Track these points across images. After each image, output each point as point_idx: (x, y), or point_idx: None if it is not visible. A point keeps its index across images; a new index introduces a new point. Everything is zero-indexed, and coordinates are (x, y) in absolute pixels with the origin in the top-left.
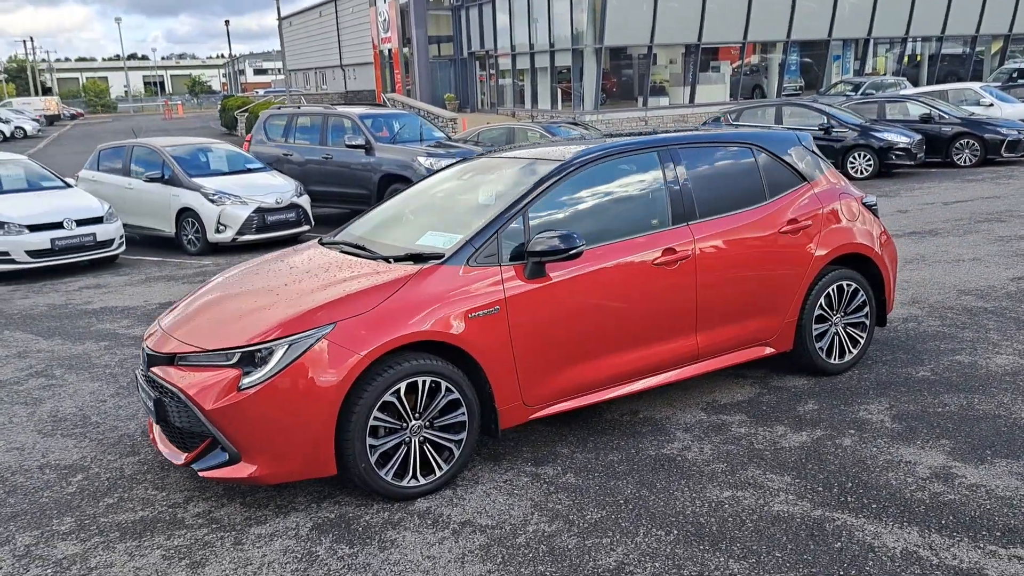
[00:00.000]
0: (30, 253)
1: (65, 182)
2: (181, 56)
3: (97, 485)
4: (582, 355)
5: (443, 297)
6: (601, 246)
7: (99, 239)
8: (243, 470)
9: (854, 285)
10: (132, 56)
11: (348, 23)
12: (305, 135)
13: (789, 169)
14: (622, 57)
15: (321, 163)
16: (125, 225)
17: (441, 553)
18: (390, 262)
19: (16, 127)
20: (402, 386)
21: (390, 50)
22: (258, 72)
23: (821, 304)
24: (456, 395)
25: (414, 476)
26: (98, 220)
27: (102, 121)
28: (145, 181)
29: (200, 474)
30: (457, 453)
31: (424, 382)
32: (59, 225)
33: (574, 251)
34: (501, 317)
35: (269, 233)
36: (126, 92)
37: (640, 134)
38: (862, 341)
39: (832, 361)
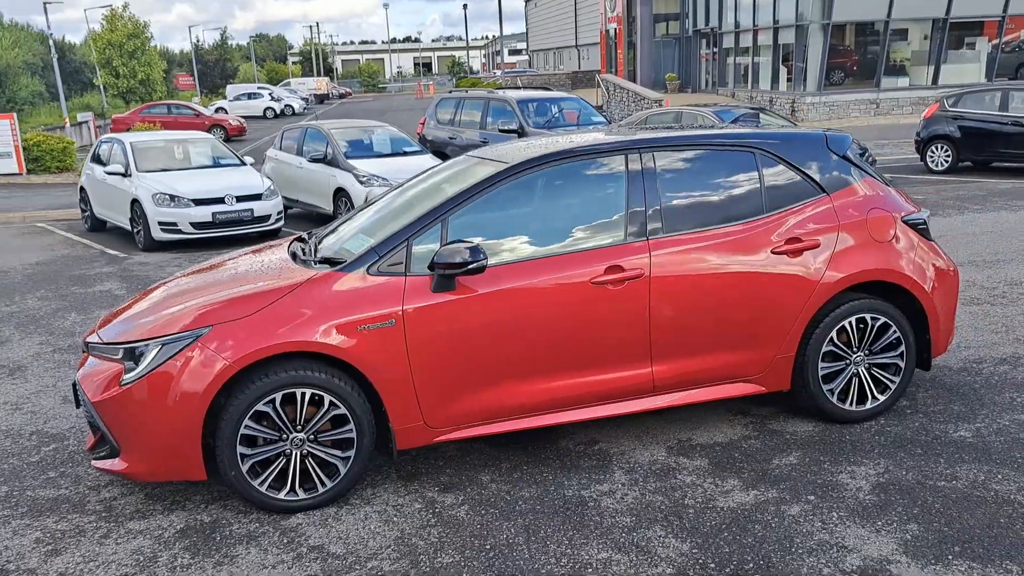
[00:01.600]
0: (194, 225)
1: (241, 160)
2: (448, 38)
3: (56, 457)
4: (501, 377)
5: (331, 306)
6: (531, 261)
7: (256, 214)
8: (119, 464)
9: (882, 319)
10: (407, 39)
11: (584, 3)
12: (470, 119)
13: (803, 178)
14: (853, 34)
15: (479, 147)
16: (296, 202)
17: None
18: (313, 266)
19: (286, 105)
20: (277, 397)
21: (615, 29)
22: (513, 53)
23: (833, 339)
24: (343, 410)
25: (292, 490)
26: (257, 197)
27: (364, 100)
28: (309, 161)
29: (92, 463)
30: (344, 471)
31: (304, 394)
32: (221, 200)
33: (474, 265)
34: (397, 331)
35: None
36: (398, 72)
37: (666, 129)
38: (892, 387)
39: (847, 407)
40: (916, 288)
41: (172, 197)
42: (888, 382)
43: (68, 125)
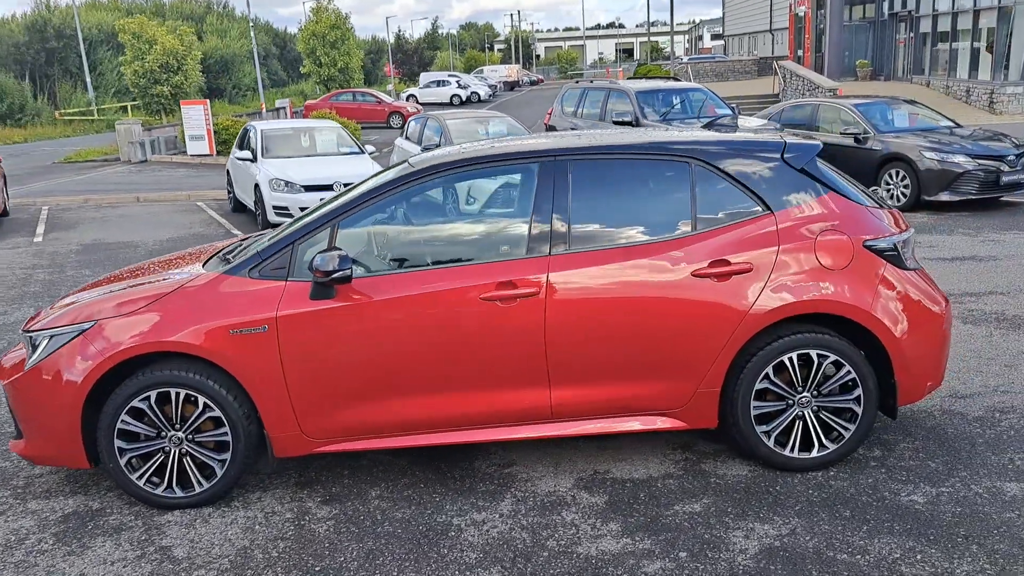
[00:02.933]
0: (303, 210)
1: (361, 149)
2: (653, 23)
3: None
4: (383, 392)
5: (207, 308)
6: (420, 271)
7: None
8: (21, 446)
9: (832, 357)
10: (611, 24)
11: None
12: (591, 109)
13: (746, 193)
14: None
15: None
16: None
17: (100, 573)
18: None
19: (472, 92)
20: (152, 395)
21: (804, 12)
22: (715, 37)
23: (769, 375)
24: (218, 413)
25: (170, 487)
26: None
27: (550, 88)
28: (423, 150)
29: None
30: (220, 473)
31: (178, 394)
32: (329, 187)
33: (338, 274)
34: (270, 337)
35: None
36: (600, 58)
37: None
38: (846, 435)
39: (787, 453)
40: (874, 324)
41: (286, 183)
42: (841, 429)
43: (264, 110)
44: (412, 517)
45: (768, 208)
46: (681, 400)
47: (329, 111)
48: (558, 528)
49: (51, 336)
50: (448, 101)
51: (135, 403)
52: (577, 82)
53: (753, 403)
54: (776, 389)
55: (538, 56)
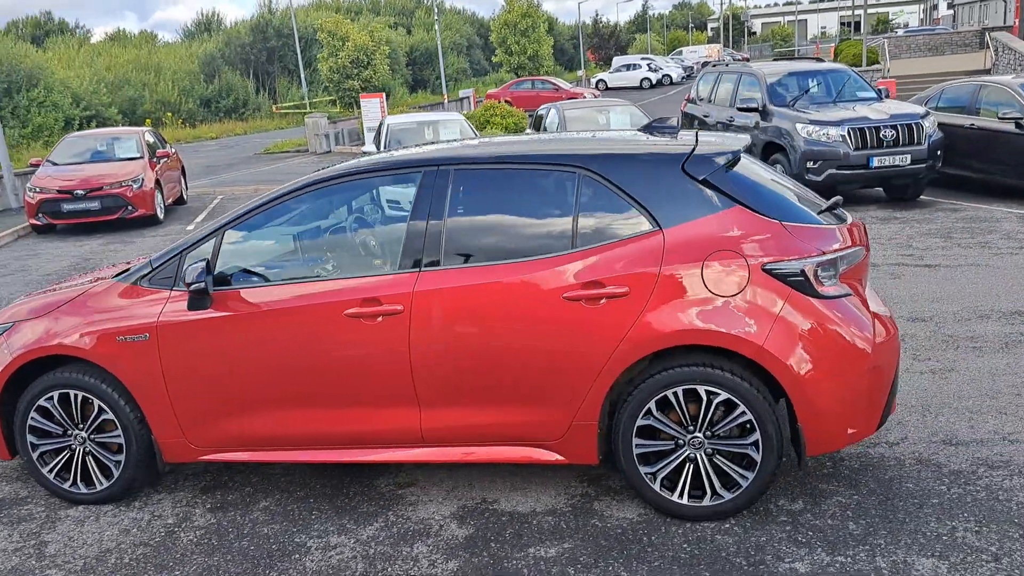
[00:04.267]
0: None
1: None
2: None
3: None
4: (259, 405)
5: (101, 314)
6: (292, 284)
7: None
8: None
9: (724, 395)
10: None
11: None
12: (723, 95)
13: (635, 207)
14: None
15: (724, 128)
16: None
17: None
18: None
19: (664, 75)
20: (55, 395)
21: None
22: (951, 7)
23: (652, 411)
24: (111, 416)
25: (75, 483)
26: None
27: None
28: None
29: None
30: (116, 473)
31: (76, 395)
32: None
33: (193, 286)
34: (151, 345)
35: None
36: (822, 33)
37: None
38: (743, 484)
39: (675, 499)
40: (768, 360)
41: None
42: (738, 477)
43: (446, 101)
44: (275, 534)
45: (657, 224)
46: (557, 432)
47: (507, 100)
48: (397, 562)
49: None
50: (638, 85)
51: (41, 402)
52: (715, 65)
53: (636, 440)
54: (662, 427)
55: (753, 33)
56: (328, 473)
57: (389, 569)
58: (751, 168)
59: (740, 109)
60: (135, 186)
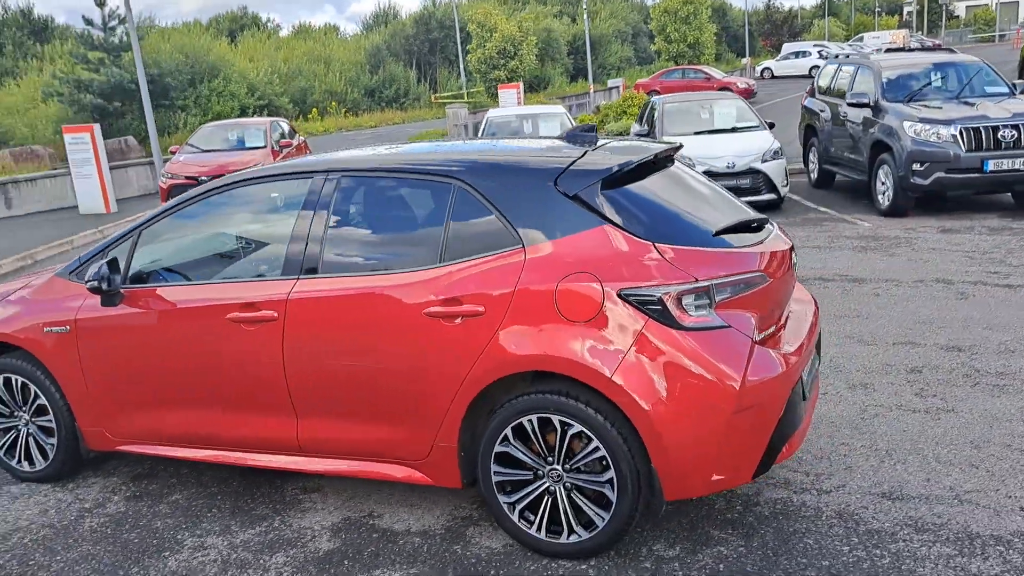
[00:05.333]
0: None
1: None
2: None
3: None
4: (160, 402)
5: (35, 306)
6: (186, 287)
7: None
8: None
9: (576, 427)
10: None
11: None
12: (841, 88)
13: (503, 222)
14: None
15: (836, 124)
16: None
17: None
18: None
19: None
20: (0, 379)
21: None
22: None
23: (509, 438)
24: (44, 401)
25: (19, 461)
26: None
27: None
28: None
29: None
30: (51, 455)
31: (16, 380)
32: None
33: (89, 284)
34: (72, 338)
35: None
36: None
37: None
38: (599, 525)
39: (535, 533)
40: (616, 392)
41: None
42: (594, 516)
43: (592, 92)
44: (164, 528)
45: (520, 241)
46: (420, 452)
47: (655, 89)
48: (248, 569)
49: None
50: (806, 73)
51: None
52: (838, 56)
53: (494, 467)
54: (520, 455)
55: (955, 17)
56: (249, 472)
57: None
58: (658, 181)
59: (850, 104)
60: None
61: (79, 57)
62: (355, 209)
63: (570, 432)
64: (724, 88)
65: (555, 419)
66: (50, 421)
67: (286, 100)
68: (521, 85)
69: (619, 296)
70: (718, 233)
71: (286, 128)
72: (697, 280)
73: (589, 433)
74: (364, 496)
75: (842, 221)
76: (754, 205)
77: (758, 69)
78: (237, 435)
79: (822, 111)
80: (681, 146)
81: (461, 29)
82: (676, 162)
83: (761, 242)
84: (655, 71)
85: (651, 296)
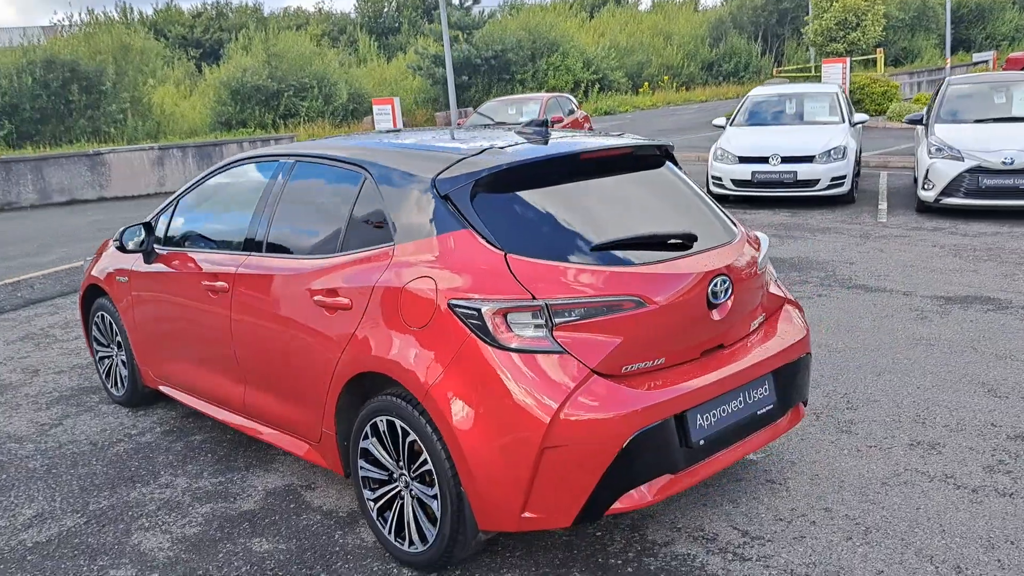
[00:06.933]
0: (734, 182)
1: (846, 118)
2: None
3: None
4: (171, 351)
5: (112, 259)
6: (188, 252)
7: (799, 178)
8: None
9: (412, 436)
10: None
11: None
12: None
13: (386, 216)
14: None
15: None
16: None
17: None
18: None
19: None
20: (99, 314)
21: None
22: None
23: (368, 435)
24: (120, 338)
25: (108, 387)
26: (807, 159)
27: None
28: None
29: None
30: (125, 384)
31: (104, 317)
32: (764, 160)
33: (113, 241)
34: (128, 286)
35: (984, 200)
36: None
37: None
38: (430, 539)
39: (387, 535)
40: (432, 407)
41: (725, 152)
42: (426, 530)
43: (948, 67)
44: (157, 464)
45: (392, 237)
46: (315, 435)
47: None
48: (175, 512)
49: None
50: None
51: (95, 320)
52: None
53: (360, 462)
54: (377, 455)
55: None
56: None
57: (159, 516)
58: (575, 186)
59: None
60: None
61: (437, 35)
62: (295, 194)
63: (408, 439)
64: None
65: (398, 424)
66: (122, 355)
67: (620, 74)
68: (848, 60)
69: (449, 305)
70: (599, 247)
71: (570, 104)
72: (534, 297)
73: (420, 444)
74: (321, 470)
75: None
76: None
77: None
78: (210, 390)
79: None
80: (629, 145)
81: None
82: (666, 164)
83: (660, 262)
84: None
85: (473, 310)
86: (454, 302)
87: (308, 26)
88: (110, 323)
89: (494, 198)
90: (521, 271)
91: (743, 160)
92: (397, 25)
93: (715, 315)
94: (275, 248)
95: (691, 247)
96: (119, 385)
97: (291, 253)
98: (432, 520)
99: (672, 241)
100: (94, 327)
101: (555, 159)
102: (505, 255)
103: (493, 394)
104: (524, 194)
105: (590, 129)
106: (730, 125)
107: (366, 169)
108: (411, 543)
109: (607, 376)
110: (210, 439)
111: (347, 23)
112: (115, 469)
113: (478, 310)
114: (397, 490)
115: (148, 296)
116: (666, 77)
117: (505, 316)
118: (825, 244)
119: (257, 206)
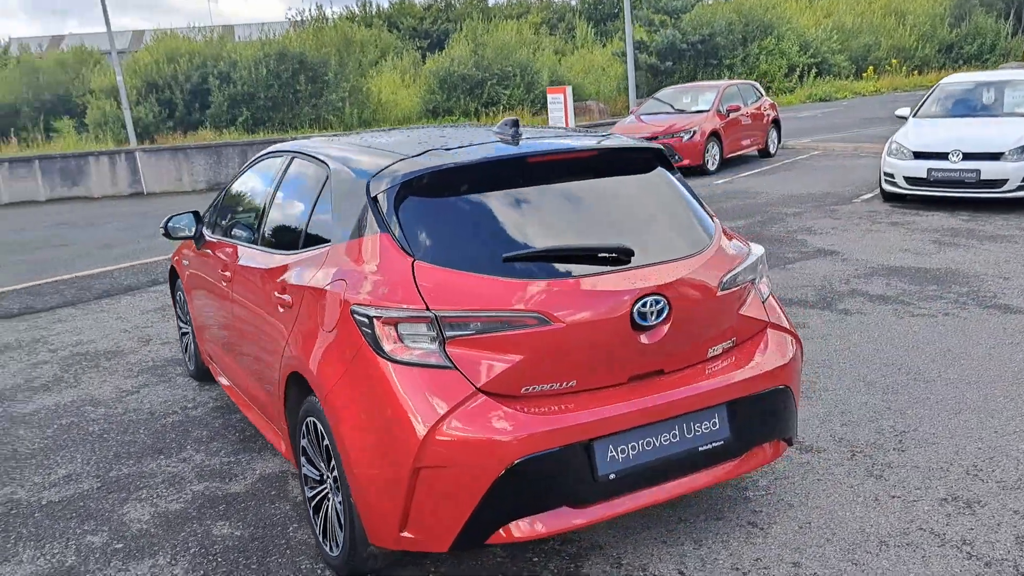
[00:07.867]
0: (907, 180)
1: None
2: None
3: None
4: (215, 337)
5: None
6: (222, 241)
7: (983, 177)
8: None
9: (326, 438)
10: None
11: None
12: None
13: (333, 216)
14: None
15: None
16: None
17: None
18: None
19: None
20: (176, 294)
21: None
22: None
23: (306, 433)
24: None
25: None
26: (994, 156)
27: None
28: None
29: None
30: (193, 360)
31: (178, 295)
32: (944, 156)
33: (160, 229)
34: (188, 269)
35: None
36: None
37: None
38: (339, 540)
39: (317, 533)
40: (329, 413)
41: (900, 147)
42: (338, 535)
43: None
44: (193, 437)
45: (330, 238)
46: (278, 418)
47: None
48: (174, 487)
49: None
50: None
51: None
52: None
53: (302, 460)
54: (312, 454)
55: None
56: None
57: (158, 489)
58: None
59: None
60: (685, 137)
61: (644, 20)
62: (284, 190)
63: (324, 443)
64: None
65: (319, 427)
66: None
67: (842, 58)
68: None
69: (351, 310)
70: (511, 259)
71: (753, 92)
72: (427, 308)
73: (331, 448)
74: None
75: None
76: None
77: None
78: (229, 373)
79: None
80: (613, 146)
81: None
82: (657, 169)
83: (573, 278)
84: None
85: (367, 317)
86: (355, 307)
87: (529, 15)
88: (183, 301)
89: (422, 202)
90: (425, 280)
91: (918, 156)
92: (616, 11)
93: (643, 339)
94: (266, 242)
95: (628, 262)
96: (189, 360)
97: (274, 248)
98: (341, 526)
99: (604, 255)
100: (176, 305)
101: (498, 162)
102: (413, 262)
103: (376, 407)
104: (456, 199)
105: (761, 118)
106: (913, 116)
107: (328, 167)
108: (331, 546)
109: (501, 396)
110: (245, 419)
111: (567, 11)
112: (153, 439)
113: (370, 318)
114: (325, 492)
115: (198, 279)
116: (895, 60)
117: (396, 326)
118: (987, 255)
119: (262, 200)
